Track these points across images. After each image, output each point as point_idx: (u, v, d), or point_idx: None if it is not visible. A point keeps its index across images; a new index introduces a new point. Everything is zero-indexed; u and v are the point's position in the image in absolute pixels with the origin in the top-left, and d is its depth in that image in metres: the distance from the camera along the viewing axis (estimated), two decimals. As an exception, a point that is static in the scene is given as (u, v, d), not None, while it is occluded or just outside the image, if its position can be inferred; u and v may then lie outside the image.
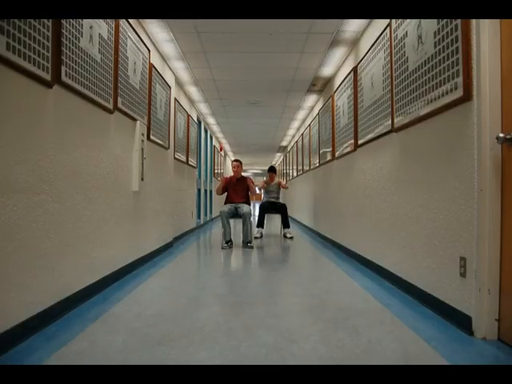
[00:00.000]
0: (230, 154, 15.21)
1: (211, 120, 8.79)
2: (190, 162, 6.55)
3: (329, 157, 5.44)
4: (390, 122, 3.00)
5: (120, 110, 3.06)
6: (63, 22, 2.13)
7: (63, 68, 2.14)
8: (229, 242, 4.92)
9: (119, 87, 3.01)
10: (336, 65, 4.93)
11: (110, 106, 2.85)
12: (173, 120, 5.17)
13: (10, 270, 1.74)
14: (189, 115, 6.55)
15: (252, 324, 2.06)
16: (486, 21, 1.83)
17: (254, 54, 4.67)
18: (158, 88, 4.31)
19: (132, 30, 3.35)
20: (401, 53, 2.75)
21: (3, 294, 1.69)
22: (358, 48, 4.04)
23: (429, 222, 2.37)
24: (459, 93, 1.99)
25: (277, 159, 17.34)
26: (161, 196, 4.49)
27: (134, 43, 3.43)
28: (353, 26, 3.76)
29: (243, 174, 5.55)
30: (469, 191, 1.95)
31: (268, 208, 6.43)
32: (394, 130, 2.92)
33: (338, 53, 4.52)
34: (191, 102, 7.03)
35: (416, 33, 2.49)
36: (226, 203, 5.29)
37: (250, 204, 5.37)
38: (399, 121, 2.80)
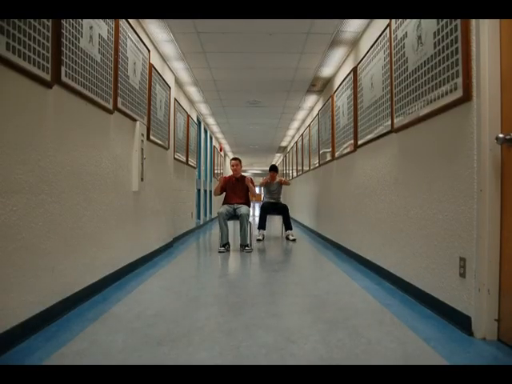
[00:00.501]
0: (229, 154, 15.21)
1: (211, 120, 8.79)
2: (189, 163, 6.55)
3: (328, 157, 5.44)
4: (389, 122, 3.00)
5: (120, 111, 3.06)
6: (63, 22, 2.14)
7: (63, 68, 2.14)
8: (226, 245, 4.71)
9: (119, 87, 3.01)
10: (336, 65, 4.94)
11: (110, 107, 2.85)
12: (172, 120, 5.17)
13: (10, 270, 1.74)
14: (188, 115, 6.55)
15: (252, 324, 2.06)
16: (486, 21, 1.83)
17: (254, 54, 4.67)
18: (158, 88, 4.31)
19: (132, 30, 3.35)
20: (400, 53, 2.75)
21: (3, 293, 1.69)
22: (358, 48, 4.04)
23: (428, 222, 2.38)
24: (459, 93, 1.99)
25: (276, 159, 17.34)
26: (160, 196, 4.49)
27: (134, 43, 3.43)
28: (353, 26, 3.77)
29: (243, 173, 5.29)
30: (468, 191, 1.95)
31: (269, 209, 6.15)
32: (393, 130, 2.92)
33: (338, 53, 4.52)
34: (191, 102, 7.03)
35: (416, 33, 2.50)
36: (224, 204, 5.05)
37: (249, 205, 5.13)
38: (399, 121, 2.80)
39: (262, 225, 5.94)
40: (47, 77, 1.99)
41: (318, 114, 6.39)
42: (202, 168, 8.88)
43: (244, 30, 3.94)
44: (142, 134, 3.60)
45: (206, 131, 9.31)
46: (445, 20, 2.13)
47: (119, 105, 3.03)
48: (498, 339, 1.82)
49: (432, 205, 2.33)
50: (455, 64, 2.02)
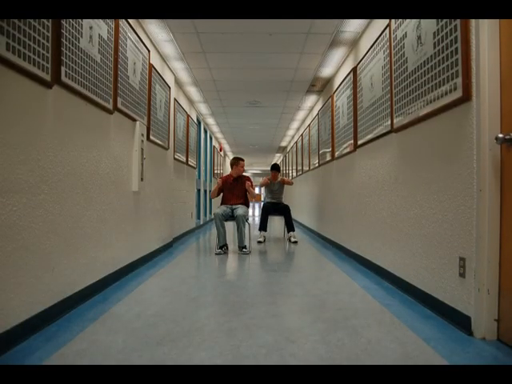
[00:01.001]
0: (229, 154, 15.21)
1: (211, 120, 8.79)
2: (189, 163, 6.55)
3: (328, 157, 5.44)
4: (389, 122, 3.01)
5: (120, 111, 3.06)
6: (63, 22, 2.14)
7: (63, 68, 2.14)
8: (223, 247, 4.56)
9: (119, 87, 3.01)
10: (335, 65, 4.94)
11: (110, 107, 2.85)
12: (172, 120, 5.17)
13: (10, 270, 1.74)
14: (188, 115, 6.55)
15: (252, 324, 2.06)
16: (486, 21, 1.83)
17: (254, 55, 4.67)
18: (158, 88, 4.31)
19: (132, 30, 3.35)
20: (400, 53, 2.75)
21: (3, 293, 1.69)
22: (358, 48, 4.04)
23: (428, 222, 2.38)
24: (458, 93, 1.99)
25: (276, 159, 17.34)
26: (160, 196, 4.49)
27: (134, 43, 3.43)
28: (352, 26, 3.77)
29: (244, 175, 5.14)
30: (468, 191, 1.95)
31: (270, 209, 5.92)
32: (393, 130, 2.92)
33: (338, 53, 4.52)
34: (191, 102, 7.03)
35: (415, 33, 2.50)
36: (221, 204, 4.91)
37: (248, 205, 4.96)
38: (399, 121, 2.80)
39: (262, 226, 5.74)
40: (47, 77, 1.99)
41: (317, 114, 6.39)
42: (202, 168, 8.88)
43: (244, 30, 3.94)
44: (142, 134, 3.60)
45: (205, 131, 9.31)
46: (444, 20, 2.13)
47: (119, 105, 3.03)
48: (497, 339, 1.82)
49: (432, 205, 2.33)
50: (455, 64, 2.02)
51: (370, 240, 3.54)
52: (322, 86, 5.93)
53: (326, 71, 5.20)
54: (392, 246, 2.99)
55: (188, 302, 2.50)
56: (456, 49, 2.01)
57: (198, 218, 8.27)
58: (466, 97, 1.94)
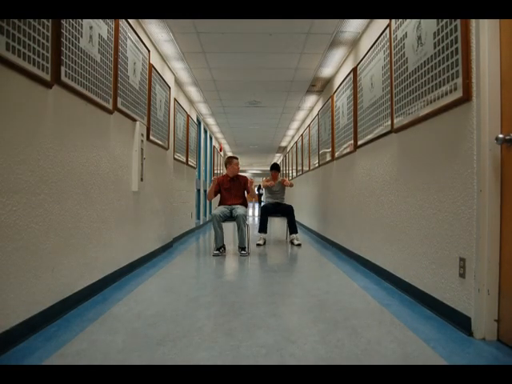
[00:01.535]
0: (229, 154, 15.22)
1: (211, 120, 8.79)
2: (189, 163, 6.55)
3: (328, 157, 5.44)
4: (389, 122, 3.01)
5: (120, 111, 3.06)
6: (63, 22, 2.14)
7: (63, 68, 2.14)
8: (221, 249, 4.47)
9: (119, 87, 3.01)
10: (336, 65, 4.94)
11: (110, 107, 2.85)
12: (172, 120, 5.17)
13: (10, 270, 1.74)
14: (188, 115, 6.55)
15: (252, 324, 2.06)
16: (486, 21, 1.83)
17: (254, 55, 4.67)
18: (158, 88, 4.31)
19: (132, 30, 3.35)
20: (400, 53, 2.75)
21: (3, 293, 1.69)
22: (358, 48, 4.04)
23: (428, 222, 2.38)
24: (459, 93, 1.99)
25: (276, 159, 17.35)
26: (160, 196, 4.49)
27: (134, 43, 3.43)
28: (352, 26, 3.77)
29: (242, 173, 5.07)
30: (468, 192, 1.95)
31: (271, 210, 5.58)
32: (393, 130, 2.92)
33: (338, 53, 4.52)
34: (191, 102, 7.03)
35: (416, 33, 2.50)
36: (219, 205, 4.79)
37: (246, 205, 4.85)
38: (399, 121, 2.80)
39: (262, 228, 5.41)
40: (47, 77, 1.99)
41: (317, 114, 6.39)
42: (202, 168, 8.88)
43: (244, 30, 3.94)
44: (142, 134, 3.60)
45: (205, 131, 9.31)
46: (445, 20, 2.13)
47: (119, 105, 3.03)
48: (497, 339, 1.82)
49: (432, 205, 2.33)
50: (455, 64, 2.02)
51: (370, 240, 3.54)
52: (322, 86, 5.93)
53: (326, 71, 5.20)
54: (392, 246, 2.99)
55: (188, 302, 2.50)
56: (456, 49, 2.01)
57: (198, 218, 8.27)
58: (466, 97, 1.94)
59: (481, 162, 1.85)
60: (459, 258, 2.02)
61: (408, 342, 1.83)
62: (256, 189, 17.93)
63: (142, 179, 3.58)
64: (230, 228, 4.71)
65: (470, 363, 1.61)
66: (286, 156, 12.97)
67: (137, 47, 3.51)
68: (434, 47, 2.24)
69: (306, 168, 7.93)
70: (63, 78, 2.14)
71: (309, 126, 7.45)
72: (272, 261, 4.28)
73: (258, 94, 6.50)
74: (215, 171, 10.95)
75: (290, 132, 10.28)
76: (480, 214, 1.86)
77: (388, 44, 3.02)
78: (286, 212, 5.52)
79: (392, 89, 2.92)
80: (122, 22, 3.12)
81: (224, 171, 5.27)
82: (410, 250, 2.65)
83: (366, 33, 3.75)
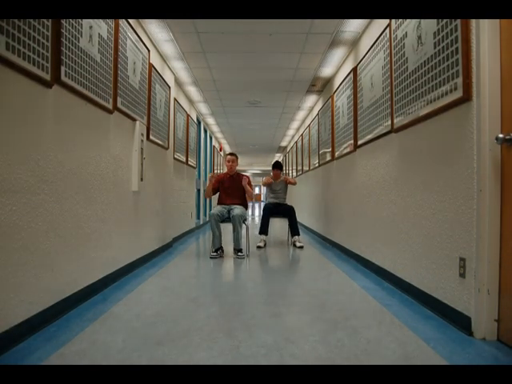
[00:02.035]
0: (229, 154, 15.21)
1: (211, 120, 8.79)
2: (189, 162, 6.55)
3: (328, 157, 5.44)
4: (389, 122, 3.00)
5: (119, 110, 3.06)
6: (63, 21, 2.14)
7: (63, 68, 2.14)
8: (218, 250, 4.29)
9: (119, 87, 3.01)
10: (336, 65, 4.94)
11: (110, 106, 2.85)
12: (172, 120, 5.17)
13: (10, 270, 1.73)
14: (188, 115, 6.55)
15: (252, 324, 2.06)
16: (486, 21, 1.83)
17: (254, 54, 4.67)
18: (158, 88, 4.31)
19: (131, 29, 3.35)
20: (400, 53, 2.75)
21: (3, 293, 1.69)
22: (358, 48, 4.04)
23: (428, 222, 2.37)
24: (459, 93, 1.99)
25: (276, 159, 17.34)
26: (160, 196, 4.49)
27: (134, 43, 3.43)
28: (352, 26, 3.77)
29: (243, 173, 4.81)
30: (468, 192, 1.95)
31: (272, 211, 5.39)
32: (393, 130, 2.92)
33: (338, 53, 4.52)
34: (191, 102, 7.03)
35: (416, 33, 2.50)
36: (217, 204, 4.62)
37: (246, 206, 4.66)
38: (399, 121, 2.80)
39: (263, 229, 5.23)
40: (47, 76, 1.99)
41: (317, 114, 6.39)
42: (202, 168, 8.88)
43: (244, 30, 3.94)
44: (142, 134, 3.60)
45: (205, 131, 9.31)
46: (445, 20, 2.13)
47: (119, 104, 3.02)
48: (497, 339, 1.82)
49: (432, 205, 2.33)
50: (455, 64, 2.02)
51: (370, 240, 3.54)
52: (322, 86, 5.93)
53: (326, 71, 5.20)
54: (392, 246, 2.99)
55: (187, 302, 2.50)
56: (456, 49, 2.01)
57: (198, 217, 8.27)
58: (467, 97, 1.94)
59: (481, 162, 1.85)
60: (459, 258, 2.02)
61: (408, 342, 1.82)
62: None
63: (141, 179, 3.58)
64: (229, 229, 4.54)
65: (470, 363, 1.61)
66: (286, 156, 12.97)
67: (137, 47, 3.51)
68: (434, 47, 2.24)
69: (306, 168, 7.93)
70: (63, 77, 2.14)
71: (309, 125, 7.45)
72: (271, 262, 4.28)
73: (258, 94, 6.50)
74: (215, 171, 10.94)
75: (290, 132, 10.28)
76: (480, 213, 1.85)
77: (388, 44, 3.01)
78: (288, 213, 5.34)
79: (392, 88, 2.92)
80: (122, 22, 3.12)
81: (224, 171, 5.14)
82: (410, 249, 2.65)
83: (366, 33, 3.75)
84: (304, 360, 1.63)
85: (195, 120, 7.48)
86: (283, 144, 12.63)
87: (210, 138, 10.17)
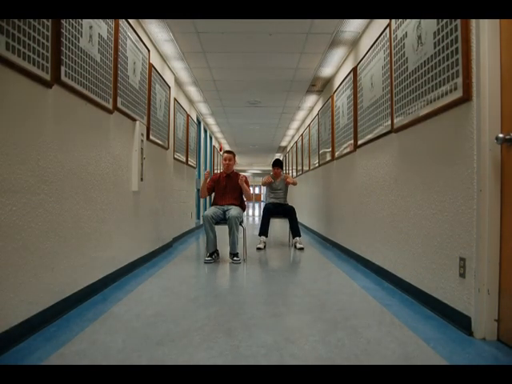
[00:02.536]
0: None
1: (211, 120, 8.79)
2: (189, 162, 6.55)
3: (328, 157, 5.44)
4: (389, 122, 3.00)
5: (119, 110, 3.06)
6: (63, 21, 2.13)
7: (63, 68, 2.14)
8: (213, 254, 4.00)
9: (119, 87, 3.01)
10: (336, 65, 4.94)
11: (110, 106, 2.85)
12: (172, 120, 5.17)
13: (10, 270, 1.73)
14: (188, 115, 6.55)
15: (252, 324, 2.06)
16: (486, 21, 1.83)
17: (254, 54, 4.67)
18: (158, 88, 4.31)
19: (131, 29, 3.35)
20: (400, 53, 2.75)
21: (3, 293, 1.68)
22: (358, 48, 4.04)
23: (428, 222, 2.37)
24: (459, 93, 1.99)
25: (276, 158, 17.33)
26: (160, 196, 4.49)
27: (134, 43, 3.43)
28: (352, 26, 3.77)
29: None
30: (468, 191, 1.95)
31: (273, 211, 5.21)
32: (393, 130, 2.92)
33: (338, 53, 4.52)
34: (191, 102, 7.03)
35: (416, 33, 2.50)
36: (212, 205, 4.31)
37: (244, 208, 4.36)
38: (399, 121, 2.80)
39: (263, 231, 5.06)
40: (47, 76, 1.99)
41: (317, 114, 6.39)
42: (202, 168, 8.88)
43: (244, 30, 3.94)
44: (142, 134, 3.60)
45: (205, 131, 9.31)
46: (445, 20, 2.13)
47: (119, 104, 3.02)
48: (497, 339, 1.82)
49: (432, 205, 2.33)
50: (455, 64, 2.02)
51: (370, 240, 3.54)
52: (322, 86, 5.93)
53: (326, 71, 5.20)
54: (392, 246, 2.99)
55: (187, 302, 2.50)
56: (456, 49, 2.01)
57: (198, 217, 8.27)
58: (467, 97, 1.94)
59: (481, 162, 1.85)
60: (459, 258, 2.02)
61: (408, 342, 1.82)
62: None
63: (141, 179, 3.58)
64: (225, 231, 4.13)
65: (470, 363, 1.61)
66: (286, 156, 12.97)
67: (137, 47, 3.51)
68: (434, 47, 2.24)
69: (306, 168, 7.93)
70: (63, 77, 2.14)
71: (309, 125, 7.45)
72: (270, 265, 4.27)
73: (258, 94, 6.50)
74: (215, 171, 10.94)
75: (290, 132, 10.28)
76: (480, 213, 1.85)
77: (388, 44, 3.01)
78: (288, 213, 5.17)
79: (392, 88, 2.92)
80: (122, 22, 3.12)
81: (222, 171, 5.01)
82: (410, 249, 2.65)
83: (366, 32, 3.75)
84: (304, 360, 1.63)
85: (195, 120, 7.48)
86: (283, 144, 12.63)
87: (210, 138, 10.17)
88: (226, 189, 4.29)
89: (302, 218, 8.53)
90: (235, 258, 3.96)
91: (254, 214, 15.60)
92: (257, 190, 35.96)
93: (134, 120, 3.45)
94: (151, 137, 3.97)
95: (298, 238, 5.06)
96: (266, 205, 5.39)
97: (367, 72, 3.62)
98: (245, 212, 4.45)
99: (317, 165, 6.47)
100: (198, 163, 8.01)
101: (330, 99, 5.26)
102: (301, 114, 8.04)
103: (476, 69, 1.88)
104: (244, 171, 23.11)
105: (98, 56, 2.62)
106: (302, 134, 8.56)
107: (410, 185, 2.68)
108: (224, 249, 4.51)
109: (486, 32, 1.83)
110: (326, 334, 1.93)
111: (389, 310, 2.33)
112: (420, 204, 2.50)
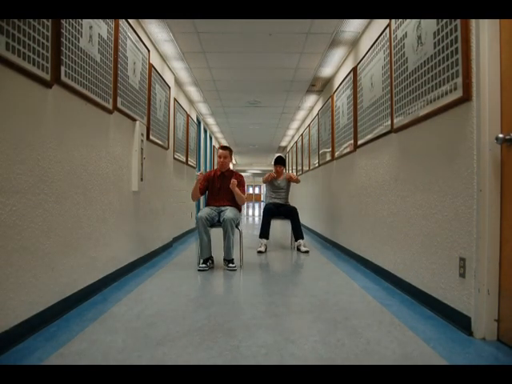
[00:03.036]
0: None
1: (211, 120, 8.79)
2: (189, 162, 6.55)
3: (328, 157, 5.45)
4: (389, 122, 3.00)
5: (119, 110, 3.06)
6: (63, 21, 2.13)
7: (63, 68, 2.14)
8: (208, 261, 3.55)
9: (119, 87, 3.01)
10: (335, 65, 4.94)
11: (110, 106, 2.85)
12: (172, 120, 5.17)
13: (10, 270, 1.73)
14: (188, 115, 6.55)
15: (252, 324, 2.06)
16: (486, 21, 1.83)
17: (254, 54, 4.67)
18: (158, 88, 4.31)
19: (131, 30, 3.35)
20: (400, 53, 2.75)
21: (3, 293, 1.68)
22: (358, 48, 4.04)
23: (428, 222, 2.37)
24: (459, 93, 1.99)
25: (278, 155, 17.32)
26: (160, 196, 4.49)
27: (134, 43, 3.43)
28: (352, 26, 3.77)
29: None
30: (468, 191, 1.95)
31: (274, 212, 4.90)
32: (393, 130, 2.92)
33: (338, 53, 4.52)
34: (191, 102, 7.03)
35: (415, 33, 2.50)
36: (206, 206, 3.89)
37: (240, 208, 3.92)
38: (399, 121, 2.80)
39: (264, 233, 4.76)
40: (47, 76, 1.99)
41: (317, 114, 6.39)
42: (202, 168, 8.88)
43: (244, 30, 3.94)
44: (142, 134, 3.60)
45: (205, 131, 9.31)
46: (445, 20, 2.13)
47: (119, 105, 3.02)
48: (497, 339, 1.82)
49: (432, 205, 2.33)
50: (455, 64, 2.02)
51: (370, 240, 3.54)
52: (321, 86, 5.93)
53: (326, 71, 5.20)
54: (392, 246, 2.99)
55: (187, 302, 2.50)
56: (456, 49, 2.01)
57: (198, 217, 8.26)
58: (466, 97, 1.94)
59: (481, 162, 1.85)
60: (459, 258, 2.02)
61: (408, 342, 1.82)
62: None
63: (141, 179, 3.58)
64: (219, 233, 3.77)
65: (470, 363, 1.61)
66: (286, 156, 12.97)
67: (137, 47, 3.51)
68: (434, 47, 2.24)
69: (305, 168, 7.93)
70: (63, 77, 2.14)
71: (309, 125, 7.45)
72: (271, 270, 4.27)
73: (258, 94, 6.50)
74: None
75: (290, 132, 10.28)
76: (480, 213, 1.85)
77: (388, 44, 3.01)
78: (291, 214, 4.86)
79: (392, 88, 2.92)
80: (122, 22, 3.11)
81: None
82: (410, 249, 2.65)
83: (366, 33, 3.75)
84: (304, 360, 1.63)
85: (195, 120, 7.48)
86: (283, 144, 12.63)
87: (210, 138, 10.17)
88: (221, 189, 3.85)
89: (301, 217, 8.51)
90: (230, 265, 3.56)
91: (253, 213, 15.59)
92: (257, 190, 35.92)
93: (134, 120, 3.45)
94: (151, 137, 3.97)
95: (301, 240, 4.73)
96: (266, 205, 5.07)
97: (367, 72, 3.62)
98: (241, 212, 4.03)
99: (317, 165, 6.47)
100: (197, 163, 8.01)
101: (330, 99, 5.26)
102: (301, 114, 8.04)
103: (476, 69, 1.88)
104: (244, 171, 23.11)
105: (97, 56, 2.62)
106: (301, 134, 8.56)
107: (409, 185, 2.68)
108: (217, 252, 3.88)
109: (485, 32, 1.83)
110: (326, 333, 1.93)
111: (389, 310, 2.33)
112: (420, 204, 2.50)
